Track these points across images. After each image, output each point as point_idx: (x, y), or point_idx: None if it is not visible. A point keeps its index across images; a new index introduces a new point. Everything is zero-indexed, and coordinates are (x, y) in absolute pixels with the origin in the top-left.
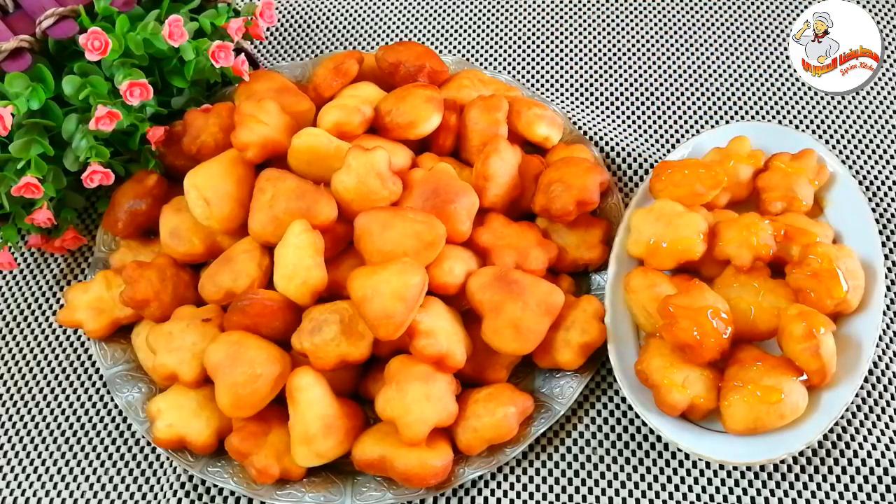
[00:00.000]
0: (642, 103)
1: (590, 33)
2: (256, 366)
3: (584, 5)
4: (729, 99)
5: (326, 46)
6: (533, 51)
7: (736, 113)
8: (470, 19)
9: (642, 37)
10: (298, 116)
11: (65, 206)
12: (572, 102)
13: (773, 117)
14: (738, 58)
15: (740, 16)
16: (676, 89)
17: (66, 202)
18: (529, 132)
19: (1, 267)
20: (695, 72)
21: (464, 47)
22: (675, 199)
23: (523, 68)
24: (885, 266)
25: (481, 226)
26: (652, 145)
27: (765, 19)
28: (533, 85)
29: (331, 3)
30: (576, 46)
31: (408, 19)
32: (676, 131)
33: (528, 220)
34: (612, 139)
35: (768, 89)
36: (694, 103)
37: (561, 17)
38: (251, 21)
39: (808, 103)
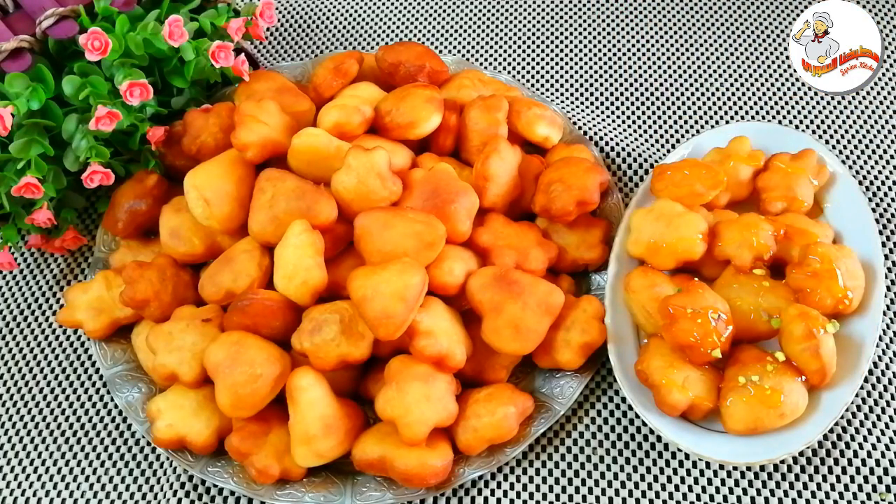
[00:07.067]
0: (642, 103)
1: (590, 33)
2: (256, 366)
3: (584, 5)
4: (729, 99)
5: (326, 46)
6: (533, 51)
7: (736, 113)
8: (470, 19)
9: (642, 37)
10: (298, 116)
11: (65, 206)
12: (572, 102)
13: (773, 117)
14: (738, 58)
15: (740, 16)
16: (676, 89)
17: (66, 202)
18: (529, 132)
19: (1, 267)
20: (695, 72)
21: (464, 47)
22: (676, 199)
23: (523, 68)
24: (885, 266)
25: (481, 226)
26: (652, 145)
27: (765, 19)
28: (533, 85)
29: (331, 3)
30: (576, 46)
31: (408, 19)
32: (676, 131)
33: (528, 220)
34: (612, 139)
35: (768, 89)
36: (694, 103)
37: (561, 17)
38: (251, 21)
39: (808, 103)
